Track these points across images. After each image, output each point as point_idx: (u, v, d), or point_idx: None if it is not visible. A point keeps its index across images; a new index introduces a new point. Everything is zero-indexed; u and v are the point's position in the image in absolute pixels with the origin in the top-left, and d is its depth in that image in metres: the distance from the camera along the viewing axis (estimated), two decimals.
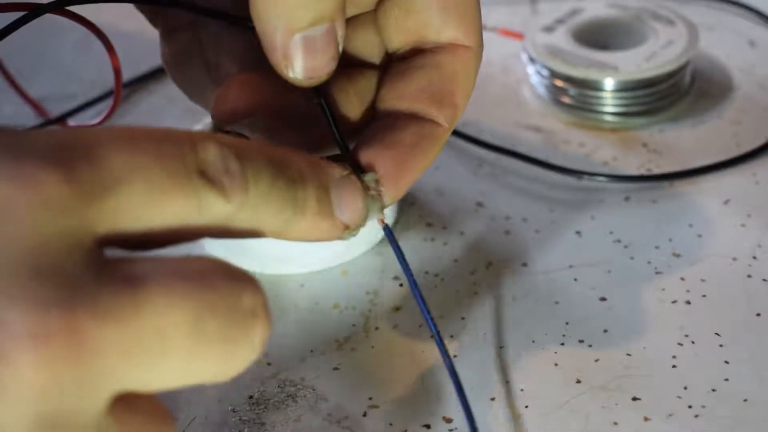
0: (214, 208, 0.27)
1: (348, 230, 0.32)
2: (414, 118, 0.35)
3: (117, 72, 0.38)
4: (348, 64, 0.37)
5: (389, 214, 0.47)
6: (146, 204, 0.25)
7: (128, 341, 0.23)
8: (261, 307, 0.26)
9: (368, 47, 0.37)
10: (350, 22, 0.37)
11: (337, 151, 0.36)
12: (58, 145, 0.24)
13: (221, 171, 0.27)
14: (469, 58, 0.36)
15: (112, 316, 0.23)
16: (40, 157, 0.23)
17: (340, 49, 0.34)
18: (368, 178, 0.34)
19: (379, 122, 0.36)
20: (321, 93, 0.35)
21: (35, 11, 0.34)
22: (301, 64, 0.33)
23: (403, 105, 0.35)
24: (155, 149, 0.26)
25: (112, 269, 0.24)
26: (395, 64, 0.37)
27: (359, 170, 0.34)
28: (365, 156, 0.34)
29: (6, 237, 0.22)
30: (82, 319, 0.22)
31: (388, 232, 0.36)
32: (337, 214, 0.31)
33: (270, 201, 0.28)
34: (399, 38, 0.36)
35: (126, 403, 0.24)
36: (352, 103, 0.37)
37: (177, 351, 0.24)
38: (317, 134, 0.36)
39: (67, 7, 0.34)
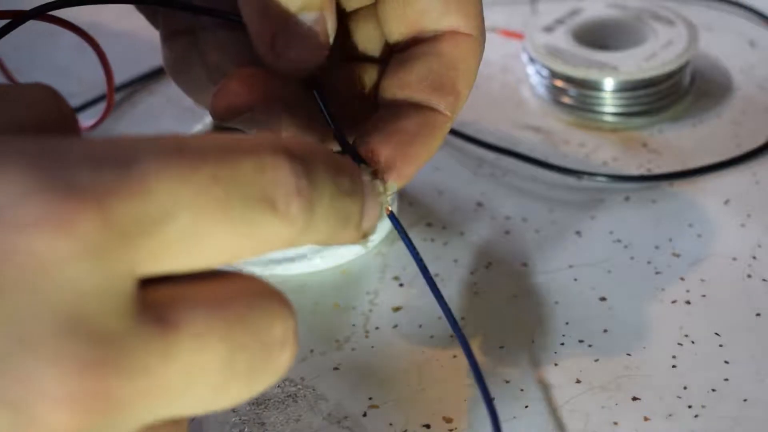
0: (273, 236, 0.24)
1: (366, 237, 0.32)
2: (415, 107, 0.35)
3: (108, 75, 0.38)
4: (349, 59, 0.37)
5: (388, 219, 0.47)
6: (195, 241, 0.23)
7: (158, 389, 0.22)
8: (291, 335, 0.25)
9: (369, 41, 0.37)
10: (351, 16, 0.37)
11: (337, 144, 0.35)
12: (97, 171, 0.22)
13: (290, 193, 0.24)
14: (470, 45, 0.36)
15: (145, 371, 0.22)
16: (79, 194, 0.21)
17: (331, 40, 0.33)
18: (366, 171, 0.33)
19: (381, 113, 0.35)
20: (319, 84, 0.35)
21: (19, 19, 0.33)
22: (289, 53, 0.33)
23: (404, 94, 0.35)
24: (211, 173, 0.23)
25: (146, 312, 0.23)
26: (396, 55, 0.37)
27: (359, 162, 0.34)
28: (367, 146, 0.34)
29: (43, 295, 0.21)
30: (115, 379, 0.22)
31: (395, 220, 0.35)
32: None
33: (329, 219, 0.26)
34: (399, 30, 0.36)
35: (150, 429, 0.24)
36: (355, 97, 0.37)
37: (204, 388, 0.23)
38: (317, 126, 0.35)
39: (51, 12, 0.34)
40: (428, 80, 0.35)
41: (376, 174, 0.34)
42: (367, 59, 0.37)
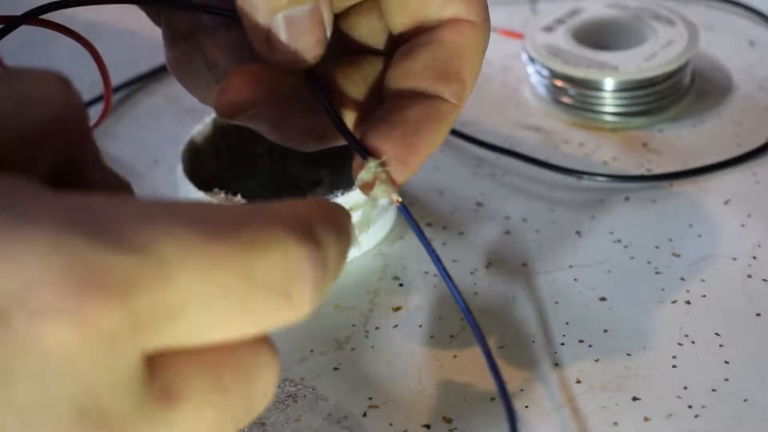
0: (282, 321, 0.24)
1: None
2: (421, 96, 0.35)
3: (105, 78, 0.38)
4: (354, 51, 0.37)
5: (390, 216, 0.47)
6: (208, 327, 0.22)
7: None
8: (274, 384, 0.25)
9: (373, 33, 0.37)
10: (354, 9, 0.37)
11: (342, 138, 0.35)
12: (120, 256, 0.21)
13: (306, 286, 0.23)
14: (473, 32, 0.35)
15: None
16: (102, 287, 0.21)
17: (328, 34, 0.33)
18: (371, 164, 0.33)
19: (386, 104, 0.35)
20: (318, 79, 0.35)
21: (11, 24, 0.33)
22: (284, 46, 0.32)
23: (409, 84, 0.35)
24: (235, 270, 0.22)
25: (151, 385, 0.22)
26: (400, 46, 0.36)
27: (366, 155, 0.34)
28: (372, 137, 0.34)
29: (56, 384, 0.21)
30: None
31: (404, 210, 0.35)
32: None
33: (326, 292, 0.25)
34: (402, 20, 0.36)
35: None
36: (360, 90, 0.36)
37: None
38: (323, 121, 0.35)
39: (45, 16, 0.34)
40: (432, 69, 0.35)
41: (383, 165, 0.33)
42: (372, 51, 0.37)
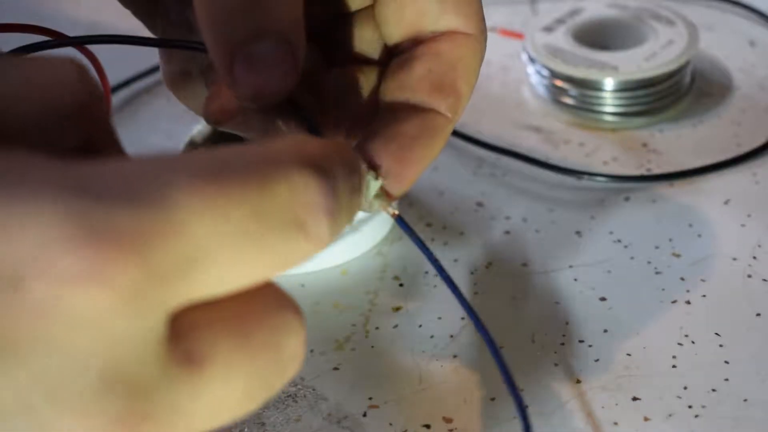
0: (302, 255, 0.24)
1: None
2: (416, 109, 0.34)
3: (104, 82, 0.38)
4: (349, 62, 0.37)
5: (389, 217, 0.47)
6: (230, 272, 0.22)
7: (184, 424, 0.22)
8: (303, 346, 0.25)
9: (368, 44, 0.37)
10: (348, 19, 0.37)
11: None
12: (134, 211, 0.21)
13: (320, 216, 0.23)
14: (469, 45, 0.35)
15: (173, 412, 0.22)
16: (119, 243, 0.20)
17: (300, 65, 0.31)
18: (368, 177, 0.33)
19: (381, 116, 0.35)
20: (300, 107, 0.34)
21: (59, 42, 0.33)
22: (244, 83, 0.30)
23: (404, 96, 0.35)
24: (248, 208, 0.22)
25: (175, 350, 0.22)
26: (396, 57, 0.36)
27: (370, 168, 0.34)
28: (367, 151, 0.33)
29: (79, 350, 0.21)
30: (146, 427, 0.22)
31: (402, 222, 0.35)
32: None
33: (345, 221, 0.25)
34: (398, 32, 0.36)
35: None
36: (355, 101, 0.36)
37: (225, 413, 0.23)
38: (314, 126, 0.35)
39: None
40: (428, 81, 0.34)
41: (379, 178, 0.33)
42: (367, 62, 0.37)
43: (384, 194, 0.34)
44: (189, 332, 0.22)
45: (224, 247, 0.22)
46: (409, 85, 0.35)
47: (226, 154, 0.23)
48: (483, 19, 0.35)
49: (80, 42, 0.34)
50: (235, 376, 0.23)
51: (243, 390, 0.23)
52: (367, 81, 0.37)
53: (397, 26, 0.36)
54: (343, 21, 0.37)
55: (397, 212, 0.35)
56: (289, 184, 0.23)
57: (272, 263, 0.23)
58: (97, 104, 0.26)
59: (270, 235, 0.23)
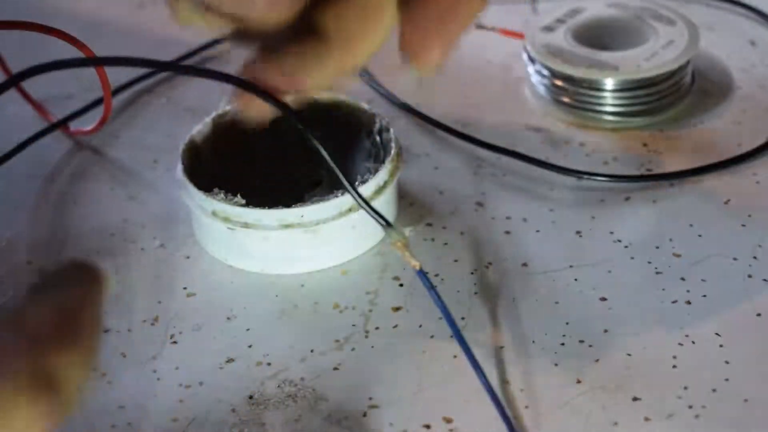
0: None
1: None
2: None
3: (105, 85, 0.38)
4: None
5: (390, 211, 0.47)
6: None
7: None
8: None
9: None
10: None
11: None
12: None
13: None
14: None
15: None
16: None
17: None
18: (390, 230, 0.35)
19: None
20: (306, 123, 0.34)
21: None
22: None
23: None
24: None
25: None
26: None
27: (385, 224, 0.35)
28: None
29: None
30: None
31: (423, 276, 0.37)
32: None
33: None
34: None
35: None
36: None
37: None
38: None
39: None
40: None
41: (400, 233, 0.36)
42: None
43: (405, 247, 0.38)
44: None
45: None
46: None
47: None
48: None
49: (101, 63, 0.34)
50: None
51: None
52: None
53: None
54: None
55: (419, 264, 0.37)
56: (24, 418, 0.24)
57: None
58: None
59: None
